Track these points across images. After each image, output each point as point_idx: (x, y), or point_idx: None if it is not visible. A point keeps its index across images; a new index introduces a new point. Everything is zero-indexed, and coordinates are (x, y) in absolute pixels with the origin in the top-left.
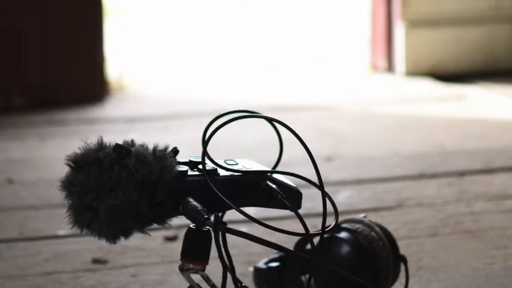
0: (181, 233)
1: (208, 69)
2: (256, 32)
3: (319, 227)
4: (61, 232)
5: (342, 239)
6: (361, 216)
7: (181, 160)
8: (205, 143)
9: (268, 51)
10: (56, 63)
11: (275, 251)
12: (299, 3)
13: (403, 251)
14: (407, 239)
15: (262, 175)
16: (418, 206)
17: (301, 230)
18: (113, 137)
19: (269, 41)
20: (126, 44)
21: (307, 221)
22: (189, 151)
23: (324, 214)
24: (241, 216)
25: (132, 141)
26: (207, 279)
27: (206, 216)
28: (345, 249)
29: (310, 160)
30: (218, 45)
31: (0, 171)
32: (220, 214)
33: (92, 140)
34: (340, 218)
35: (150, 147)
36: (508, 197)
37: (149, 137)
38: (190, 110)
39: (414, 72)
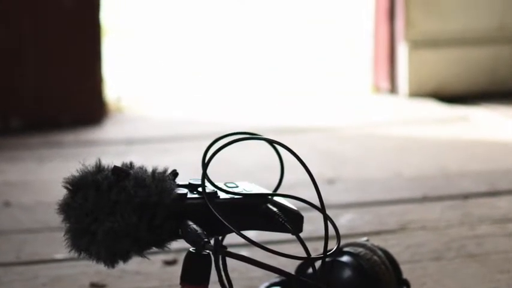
0: (181, 257)
1: (208, 90)
2: (257, 52)
3: (321, 250)
4: (59, 256)
5: (344, 263)
6: (363, 239)
7: (180, 183)
8: (205, 165)
9: (269, 71)
10: (54, 84)
11: (276, 275)
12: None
13: (406, 275)
14: (410, 262)
15: (262, 198)
16: (421, 229)
17: (303, 254)
18: (112, 159)
19: (270, 64)
20: (125, 65)
21: (309, 245)
22: (188, 173)
23: (326, 237)
24: (242, 240)
25: (131, 163)
26: None
27: (206, 239)
28: (347, 273)
29: (311, 182)
30: (218, 64)
31: None
32: (220, 237)
33: (90, 162)
34: (342, 242)
35: (149, 169)
36: None
37: (148, 159)
38: (189, 131)
39: (417, 93)
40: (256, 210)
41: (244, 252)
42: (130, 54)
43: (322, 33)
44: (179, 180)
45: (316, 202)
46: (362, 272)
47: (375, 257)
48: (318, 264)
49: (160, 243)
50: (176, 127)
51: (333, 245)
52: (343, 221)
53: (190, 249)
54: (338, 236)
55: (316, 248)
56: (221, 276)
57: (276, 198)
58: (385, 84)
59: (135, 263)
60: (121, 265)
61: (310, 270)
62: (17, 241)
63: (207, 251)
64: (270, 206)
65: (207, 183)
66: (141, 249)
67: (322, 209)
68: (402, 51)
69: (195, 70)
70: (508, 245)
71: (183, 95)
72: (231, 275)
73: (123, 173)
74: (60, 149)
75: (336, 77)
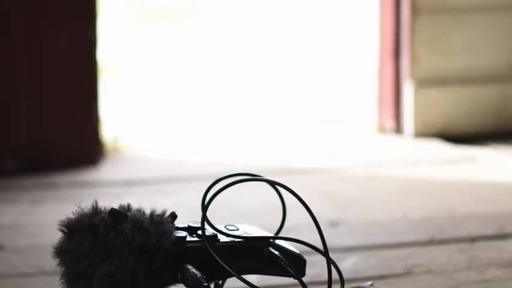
0: None
1: (208, 130)
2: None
3: None
4: None
5: None
6: (368, 284)
7: (179, 225)
8: (204, 207)
9: (270, 108)
10: (48, 123)
11: None
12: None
13: None
14: None
15: (264, 241)
16: (427, 273)
17: None
18: (108, 201)
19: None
20: (122, 104)
21: None
22: (188, 216)
23: (329, 282)
24: (243, 284)
25: (129, 205)
26: None
27: (206, 284)
28: None
29: (314, 225)
30: (216, 102)
31: None
32: (220, 282)
33: (86, 205)
34: (346, 286)
35: (147, 212)
36: None
37: (146, 201)
38: (189, 173)
39: (423, 133)
40: (258, 254)
41: None
42: (127, 92)
43: (326, 71)
44: (178, 223)
45: (319, 245)
46: None
47: None
48: None
49: (159, 287)
50: (175, 168)
51: None
52: (347, 264)
53: None
54: (342, 280)
55: None
56: None
57: (277, 242)
58: (390, 123)
59: None
60: None
61: None
62: (11, 286)
63: None
64: (272, 250)
65: (206, 226)
66: None
67: (325, 252)
68: (407, 89)
69: (194, 107)
70: None
71: (182, 134)
72: None
73: (121, 215)
74: (55, 190)
75: (340, 117)
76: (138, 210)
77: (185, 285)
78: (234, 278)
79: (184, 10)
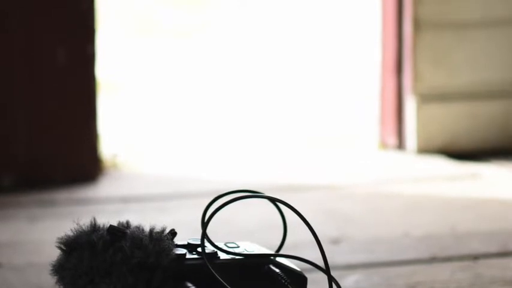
0: None
1: (208, 146)
2: (257, 103)
3: None
4: None
5: None
6: None
7: (179, 243)
8: (204, 224)
9: (271, 125)
10: (46, 139)
11: None
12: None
13: None
14: None
15: (265, 259)
16: None
17: None
18: (107, 218)
19: (271, 118)
20: (121, 120)
21: None
22: (187, 233)
23: None
24: None
25: (128, 222)
26: None
27: None
28: None
29: (315, 242)
30: (217, 118)
31: None
32: None
33: (85, 222)
34: None
35: (147, 229)
36: None
37: (145, 218)
38: (188, 189)
39: (426, 149)
40: (258, 272)
41: None
42: (127, 109)
43: (327, 86)
44: (178, 240)
45: (321, 263)
46: None
47: None
48: None
49: None
50: (174, 184)
51: None
52: (349, 282)
53: None
54: None
55: None
56: None
57: (278, 259)
58: (392, 140)
59: None
60: None
61: None
62: None
63: None
64: (273, 267)
65: (206, 243)
66: None
67: (326, 270)
68: (410, 105)
69: (194, 125)
70: None
71: (181, 150)
72: None
73: (119, 232)
74: (53, 207)
75: (341, 134)
76: (137, 227)
77: None
78: None
79: (186, 26)
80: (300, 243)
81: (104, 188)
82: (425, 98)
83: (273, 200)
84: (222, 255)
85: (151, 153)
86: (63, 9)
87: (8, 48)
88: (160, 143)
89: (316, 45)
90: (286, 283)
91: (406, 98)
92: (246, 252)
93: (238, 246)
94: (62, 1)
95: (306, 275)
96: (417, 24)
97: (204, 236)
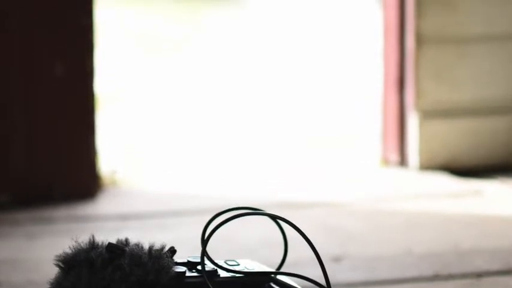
0: None
1: (208, 163)
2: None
3: None
4: None
5: None
6: None
7: (179, 260)
8: (204, 242)
9: (270, 141)
10: (45, 156)
11: None
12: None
13: None
14: None
15: (265, 276)
16: None
17: None
18: (106, 235)
19: (271, 134)
20: (120, 136)
21: None
22: (187, 251)
23: None
24: None
25: (126, 240)
26: None
27: None
28: None
29: (316, 260)
30: (216, 132)
31: None
32: None
33: (83, 239)
34: None
35: (146, 246)
36: None
37: (145, 236)
38: (188, 206)
39: (428, 166)
40: None
41: None
42: (124, 124)
43: (328, 101)
44: (177, 258)
45: (322, 281)
46: None
47: None
48: None
49: None
50: (174, 201)
51: None
52: None
53: None
54: None
55: None
56: None
57: (279, 277)
58: (394, 156)
59: None
60: None
61: None
62: None
63: None
64: (273, 285)
65: (206, 261)
66: None
67: None
68: (412, 121)
69: (194, 140)
70: None
71: (181, 166)
72: None
73: (118, 250)
74: (51, 224)
75: (342, 150)
76: (136, 245)
77: None
78: None
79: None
80: (300, 260)
81: (102, 205)
82: (427, 114)
83: (274, 217)
84: (222, 273)
85: (150, 170)
86: (63, 25)
87: (6, 63)
88: (159, 159)
89: (317, 60)
90: None
91: (408, 114)
92: (246, 270)
93: (238, 264)
94: (62, 17)
95: None
96: (419, 39)
97: (204, 253)
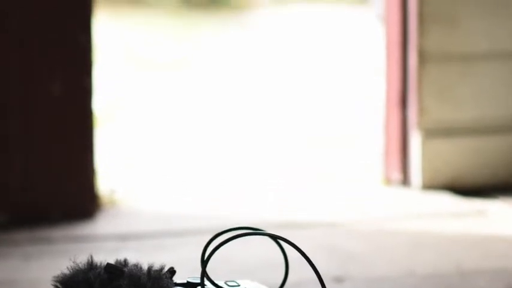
0: None
1: (207, 182)
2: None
3: None
4: None
5: None
6: None
7: (178, 281)
8: (204, 262)
9: (271, 160)
10: (42, 175)
11: None
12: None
13: None
14: None
15: None
16: None
17: None
18: (104, 256)
19: (272, 153)
20: (118, 155)
21: None
22: (187, 272)
23: None
24: None
25: (125, 260)
26: None
27: None
28: None
29: (318, 281)
30: (216, 153)
31: None
32: None
33: (82, 260)
34: None
35: (145, 267)
36: None
37: (144, 256)
38: (187, 226)
39: (431, 185)
40: None
41: None
42: (125, 142)
43: (330, 120)
44: (177, 279)
45: None
46: None
47: None
48: None
49: None
50: (173, 221)
51: None
52: None
53: None
54: None
55: None
56: None
57: None
58: (396, 175)
59: None
60: None
61: None
62: None
63: None
64: None
65: (206, 282)
66: None
67: None
68: (415, 140)
69: (193, 160)
70: None
71: (180, 186)
72: None
73: (117, 270)
74: (48, 245)
75: (344, 168)
76: (135, 266)
77: None
78: None
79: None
80: (302, 281)
81: (101, 225)
82: (430, 133)
83: (275, 238)
84: None
85: (149, 189)
86: (61, 43)
87: (4, 81)
88: (158, 177)
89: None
90: None
91: (411, 132)
92: None
93: (238, 285)
94: (60, 35)
95: None
96: (422, 57)
97: (204, 274)
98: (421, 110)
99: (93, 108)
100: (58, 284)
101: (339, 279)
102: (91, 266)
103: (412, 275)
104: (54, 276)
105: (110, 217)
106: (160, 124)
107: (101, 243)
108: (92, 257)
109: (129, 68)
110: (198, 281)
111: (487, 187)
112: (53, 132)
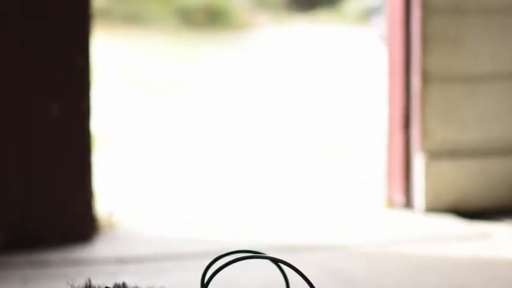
0: None
1: (207, 201)
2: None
3: None
4: None
5: None
6: None
7: None
8: (204, 286)
9: (276, 180)
10: (40, 198)
11: None
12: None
13: None
14: None
15: None
16: None
17: None
18: (103, 279)
19: (272, 176)
20: (117, 176)
21: None
22: None
23: None
24: None
25: (124, 284)
26: None
27: None
28: None
29: None
30: (217, 169)
31: None
32: None
33: (80, 283)
34: None
35: None
36: None
37: (142, 280)
38: (187, 250)
39: (435, 208)
40: None
41: None
42: (123, 165)
43: (333, 142)
44: None
45: None
46: None
47: None
48: None
49: None
50: (172, 245)
51: None
52: None
53: None
54: None
55: None
56: None
57: None
58: (399, 198)
59: None
60: None
61: None
62: None
63: None
64: None
65: None
66: None
67: None
68: (418, 162)
69: (192, 182)
70: None
71: (179, 209)
72: None
73: None
74: (46, 268)
75: (346, 191)
76: None
77: None
78: None
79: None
80: None
81: (99, 248)
82: (434, 155)
83: (275, 261)
84: None
85: (148, 210)
86: (60, 64)
87: (2, 102)
88: (157, 199)
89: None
90: None
91: (414, 154)
92: None
93: None
94: (58, 56)
95: None
96: (425, 78)
97: None
98: (425, 131)
99: (91, 130)
100: None
101: None
102: None
103: None
104: None
105: (109, 240)
106: (158, 145)
107: (99, 266)
108: (90, 280)
109: (127, 89)
110: None
111: (492, 210)
112: (50, 154)
